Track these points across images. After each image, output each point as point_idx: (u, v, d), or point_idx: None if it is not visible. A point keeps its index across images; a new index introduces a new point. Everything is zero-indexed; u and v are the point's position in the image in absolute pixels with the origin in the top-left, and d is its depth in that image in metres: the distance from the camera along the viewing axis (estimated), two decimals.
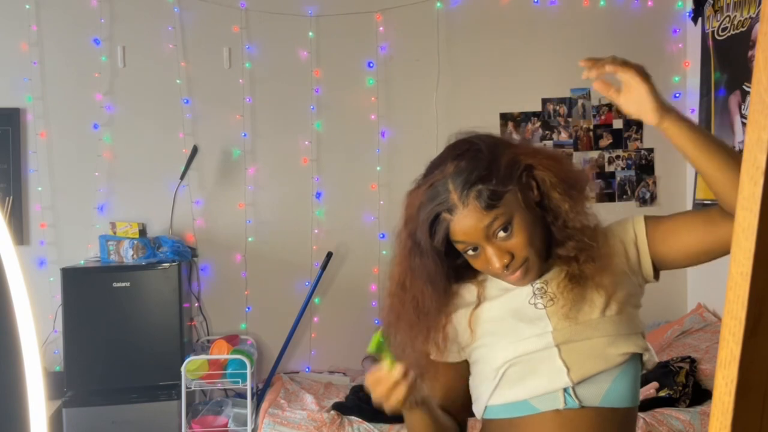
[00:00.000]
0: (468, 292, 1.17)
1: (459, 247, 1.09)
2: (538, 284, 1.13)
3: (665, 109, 1.02)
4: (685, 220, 1.13)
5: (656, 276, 1.17)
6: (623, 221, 1.18)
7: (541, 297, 1.12)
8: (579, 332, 1.09)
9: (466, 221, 1.04)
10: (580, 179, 1.12)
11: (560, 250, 1.10)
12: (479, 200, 1.03)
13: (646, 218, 1.16)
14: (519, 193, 1.06)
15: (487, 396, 1.12)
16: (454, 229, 1.06)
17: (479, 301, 1.15)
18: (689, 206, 3.59)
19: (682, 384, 2.71)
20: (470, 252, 1.08)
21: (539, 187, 1.09)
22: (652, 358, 1.14)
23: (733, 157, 1.02)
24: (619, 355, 1.08)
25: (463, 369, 1.19)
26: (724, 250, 1.08)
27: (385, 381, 1.02)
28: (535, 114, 3.64)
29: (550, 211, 1.09)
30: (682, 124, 1.03)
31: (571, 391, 1.08)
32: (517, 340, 1.10)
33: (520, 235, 1.05)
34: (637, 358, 1.12)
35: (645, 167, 3.70)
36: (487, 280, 1.17)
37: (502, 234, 1.05)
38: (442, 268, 1.12)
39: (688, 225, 1.12)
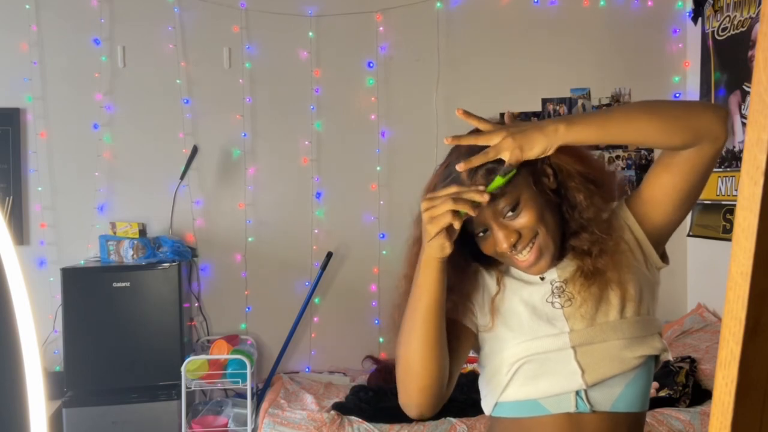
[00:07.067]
0: (490, 277, 1.16)
1: (470, 228, 1.08)
2: (557, 282, 1.12)
3: (549, 134, 1.02)
4: (650, 180, 1.12)
5: (664, 258, 1.16)
6: (612, 216, 1.15)
7: (559, 296, 1.11)
8: (596, 334, 1.08)
9: None
10: (603, 177, 1.12)
11: (574, 241, 1.10)
12: (487, 178, 1.03)
13: (626, 201, 1.15)
14: (530, 177, 1.06)
15: (499, 391, 1.11)
16: None
17: (499, 288, 1.14)
18: None
19: (682, 384, 2.71)
20: (481, 234, 1.08)
21: (556, 176, 1.09)
22: (667, 356, 1.14)
23: (635, 109, 1.06)
24: (635, 358, 1.07)
25: (469, 336, 1.16)
26: (695, 178, 1.08)
27: (466, 192, 0.98)
28: (535, 114, 3.64)
29: (566, 201, 1.09)
30: (574, 130, 1.03)
31: (583, 395, 1.07)
32: (533, 337, 1.09)
33: (528, 213, 1.05)
34: (652, 359, 1.11)
35: (645, 167, 3.69)
36: (508, 271, 1.16)
37: (510, 214, 1.05)
38: (458, 249, 1.10)
39: (655, 181, 1.11)
